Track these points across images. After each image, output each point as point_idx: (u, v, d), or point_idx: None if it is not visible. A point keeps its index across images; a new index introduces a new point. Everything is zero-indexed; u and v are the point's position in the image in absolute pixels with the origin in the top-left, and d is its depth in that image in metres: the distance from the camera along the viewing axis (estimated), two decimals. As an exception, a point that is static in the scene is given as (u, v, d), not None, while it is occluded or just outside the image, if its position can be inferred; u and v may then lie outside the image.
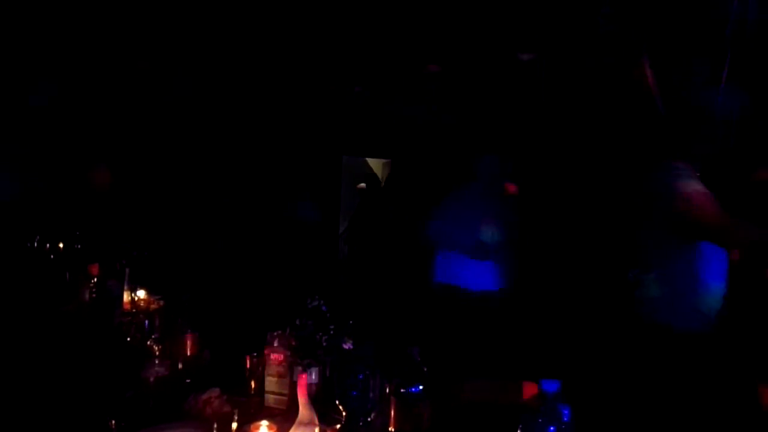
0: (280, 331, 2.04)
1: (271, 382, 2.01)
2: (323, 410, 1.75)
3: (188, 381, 2.13)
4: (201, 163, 5.37)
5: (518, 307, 3.91)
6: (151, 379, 2.03)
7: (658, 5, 4.26)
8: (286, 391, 1.98)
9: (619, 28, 4.39)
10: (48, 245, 3.95)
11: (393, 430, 1.73)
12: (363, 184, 9.03)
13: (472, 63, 5.40)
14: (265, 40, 5.56)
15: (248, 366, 2.07)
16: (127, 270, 3.14)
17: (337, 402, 1.63)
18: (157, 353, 2.13)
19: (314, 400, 1.75)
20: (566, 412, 1.47)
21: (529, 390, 2.02)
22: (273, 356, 2.01)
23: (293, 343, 2.03)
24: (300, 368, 1.95)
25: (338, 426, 1.67)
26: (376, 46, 5.50)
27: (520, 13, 4.78)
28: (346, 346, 2.02)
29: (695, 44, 4.09)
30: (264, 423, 1.74)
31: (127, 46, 5.25)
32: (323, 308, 2.08)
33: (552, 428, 1.41)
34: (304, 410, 1.71)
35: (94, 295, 3.21)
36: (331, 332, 2.04)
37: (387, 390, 1.72)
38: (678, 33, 4.19)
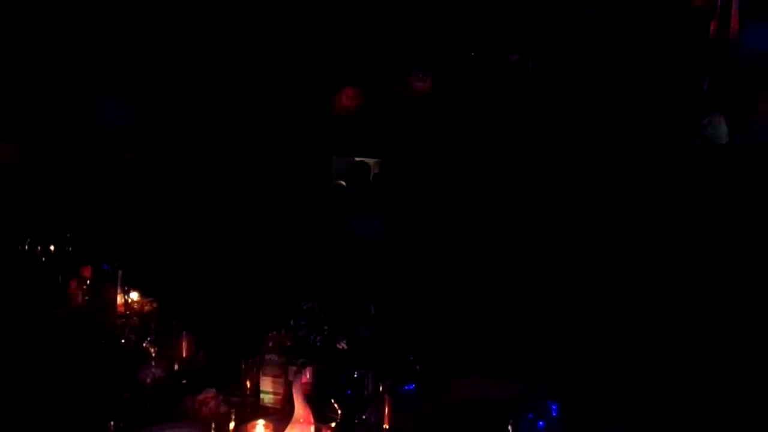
0: (275, 332, 2.08)
1: (266, 382, 2.03)
2: (318, 409, 1.78)
3: (184, 382, 2.16)
4: (194, 165, 5.39)
5: (510, 304, 3.94)
6: (148, 380, 2.05)
7: (641, 6, 4.32)
8: (281, 391, 2.01)
9: (602, 28, 4.45)
10: (39, 248, 3.94)
11: (387, 427, 1.77)
12: (342, 182, 8.99)
13: (462, 65, 5.44)
14: (258, 49, 5.59)
15: (244, 366, 2.09)
16: (120, 272, 3.15)
17: (332, 400, 1.66)
18: (153, 355, 2.15)
19: (309, 399, 1.78)
20: (555, 407, 1.51)
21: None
22: (268, 356, 2.04)
23: (288, 344, 2.06)
24: (295, 368, 1.98)
25: (333, 424, 1.71)
26: (367, 51, 5.54)
27: (508, 16, 4.84)
28: (340, 346, 2.05)
29: (678, 42, 4.15)
30: (260, 422, 1.78)
31: (123, 48, 5.26)
32: (316, 309, 2.12)
33: (541, 424, 1.46)
34: (299, 409, 1.74)
35: (87, 298, 3.21)
36: (325, 332, 2.08)
37: (381, 388, 1.76)
38: (661, 31, 4.26)
